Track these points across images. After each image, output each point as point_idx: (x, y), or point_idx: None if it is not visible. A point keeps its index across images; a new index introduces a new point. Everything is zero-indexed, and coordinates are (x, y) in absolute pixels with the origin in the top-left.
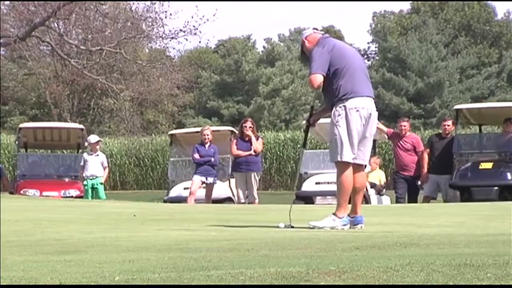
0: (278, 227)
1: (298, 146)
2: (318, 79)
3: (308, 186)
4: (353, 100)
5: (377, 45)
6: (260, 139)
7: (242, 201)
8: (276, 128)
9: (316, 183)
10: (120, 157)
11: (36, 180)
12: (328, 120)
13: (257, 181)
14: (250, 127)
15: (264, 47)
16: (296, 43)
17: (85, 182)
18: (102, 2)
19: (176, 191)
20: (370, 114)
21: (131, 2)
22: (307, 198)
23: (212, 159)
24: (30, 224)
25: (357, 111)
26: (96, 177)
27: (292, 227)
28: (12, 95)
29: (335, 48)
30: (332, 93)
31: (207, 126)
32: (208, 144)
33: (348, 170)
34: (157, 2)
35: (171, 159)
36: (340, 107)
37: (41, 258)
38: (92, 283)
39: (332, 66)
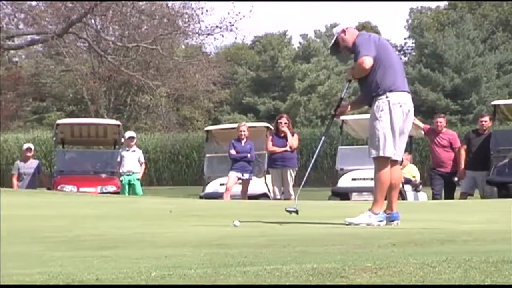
0: (234, 225)
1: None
2: (369, 61)
3: (344, 182)
4: (395, 94)
5: (414, 41)
6: (295, 135)
7: (278, 197)
8: (312, 124)
9: (352, 179)
10: (156, 153)
11: (73, 176)
12: (364, 116)
13: (293, 177)
14: (286, 123)
15: (300, 43)
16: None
17: (122, 178)
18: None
19: (212, 187)
20: (409, 110)
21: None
22: (343, 195)
23: (249, 155)
24: (67, 220)
25: (400, 106)
26: (133, 173)
27: (297, 211)
28: (49, 91)
29: (380, 40)
30: (371, 85)
31: (243, 122)
32: (244, 140)
33: (387, 166)
34: None
35: (207, 155)
36: (383, 101)
37: (78, 253)
38: (129, 279)
39: (376, 57)
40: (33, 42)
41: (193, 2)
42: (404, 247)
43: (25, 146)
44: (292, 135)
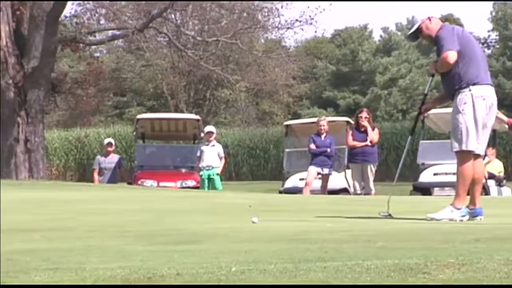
0: (253, 222)
1: (416, 136)
2: (453, 55)
3: (425, 177)
4: (478, 87)
5: (497, 33)
6: (376, 129)
7: (359, 192)
8: (392, 119)
9: (434, 174)
10: (235, 148)
11: (153, 171)
12: (445, 110)
13: (373, 172)
14: (366, 117)
15: (381, 36)
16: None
17: (201, 173)
18: None
19: (292, 182)
20: (492, 103)
21: None
22: (425, 190)
23: (328, 149)
24: (148, 214)
25: (483, 99)
26: (213, 167)
27: (390, 215)
28: (130, 86)
29: (463, 32)
30: (454, 78)
31: (323, 116)
32: (324, 134)
33: (469, 160)
34: None
35: (287, 150)
36: (466, 94)
37: (159, 248)
38: (209, 274)
39: (459, 50)
40: (114, 37)
41: None
42: (487, 243)
43: (106, 141)
44: (373, 130)
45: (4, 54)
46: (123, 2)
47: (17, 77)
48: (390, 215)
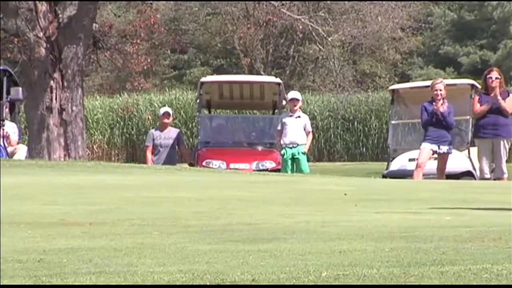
0: None
1: None
2: None
3: None
4: None
5: None
6: (511, 95)
7: (487, 176)
8: None
9: None
10: (326, 120)
11: (221, 148)
12: None
13: (507, 149)
14: (498, 78)
15: None
16: None
17: (283, 152)
18: None
19: (399, 163)
20: None
21: None
22: None
23: (447, 121)
24: (215, 205)
25: None
26: (298, 145)
27: None
28: (192, 40)
29: None
30: None
31: (439, 79)
32: (441, 102)
33: None
34: None
35: (392, 121)
36: None
37: (229, 247)
38: (293, 280)
39: None
40: None
41: None
42: None
43: (162, 110)
44: (508, 95)
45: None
46: None
47: (49, 29)
48: None
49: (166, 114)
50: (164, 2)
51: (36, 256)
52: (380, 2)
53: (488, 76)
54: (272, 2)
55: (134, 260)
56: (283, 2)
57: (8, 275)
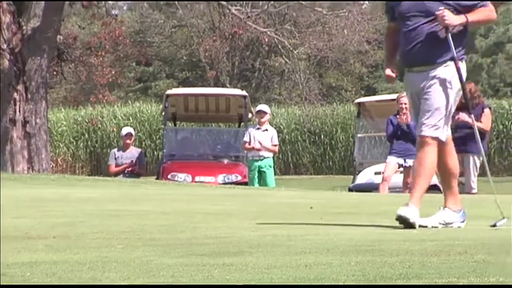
0: (494, 225)
1: None
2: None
3: None
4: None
5: None
6: (487, 110)
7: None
8: (498, 94)
9: None
10: (292, 133)
11: (187, 161)
12: None
13: (477, 166)
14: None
15: None
16: None
17: (250, 164)
18: None
19: (365, 176)
20: None
21: None
22: None
23: (412, 134)
24: (180, 218)
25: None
26: (265, 157)
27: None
28: (157, 53)
29: None
30: (450, 42)
31: (405, 92)
32: (406, 115)
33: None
34: None
35: (358, 135)
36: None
37: (195, 260)
38: None
39: None
40: None
41: None
42: None
43: (124, 131)
44: (482, 111)
45: None
46: None
47: (13, 41)
48: (505, 219)
49: (129, 135)
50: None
51: (1, 270)
52: (346, 15)
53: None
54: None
55: (98, 274)
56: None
57: None
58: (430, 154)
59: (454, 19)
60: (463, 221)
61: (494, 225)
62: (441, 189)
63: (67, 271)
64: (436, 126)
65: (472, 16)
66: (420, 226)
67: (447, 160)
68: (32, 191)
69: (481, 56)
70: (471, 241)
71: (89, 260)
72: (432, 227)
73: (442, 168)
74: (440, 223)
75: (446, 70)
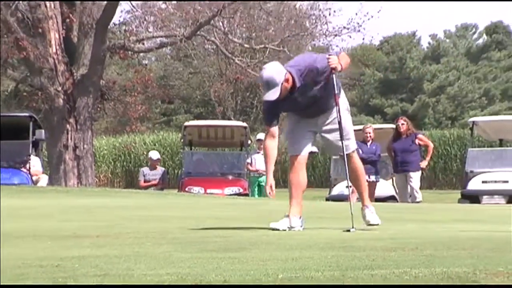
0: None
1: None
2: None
3: (474, 185)
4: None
5: None
6: (420, 135)
7: (406, 200)
8: (441, 126)
9: (483, 182)
10: (283, 155)
11: (200, 177)
12: (495, 117)
13: (418, 179)
14: (403, 124)
15: (429, 43)
16: (462, 39)
17: (252, 178)
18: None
19: (338, 189)
20: None
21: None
22: (473, 197)
23: (374, 157)
24: (195, 222)
25: None
26: (263, 175)
27: (349, 230)
28: (177, 93)
29: None
30: (335, 81)
31: (369, 124)
32: (370, 142)
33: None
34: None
35: (333, 157)
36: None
37: (206, 255)
38: (256, 281)
39: None
40: (162, 45)
41: (321, 3)
42: None
43: (154, 155)
44: (416, 137)
45: (54, 62)
46: (171, 9)
47: (66, 84)
48: (349, 230)
49: (155, 158)
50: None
51: (54, 262)
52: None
53: (397, 123)
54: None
55: (131, 265)
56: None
57: (31, 277)
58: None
59: (338, 64)
60: (301, 226)
61: (349, 230)
62: (398, 199)
63: (107, 263)
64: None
65: (344, 63)
66: (272, 228)
67: (300, 175)
68: (80, 201)
69: (427, 96)
70: (421, 239)
71: (124, 254)
72: (283, 230)
73: (297, 180)
74: (288, 227)
75: (340, 102)
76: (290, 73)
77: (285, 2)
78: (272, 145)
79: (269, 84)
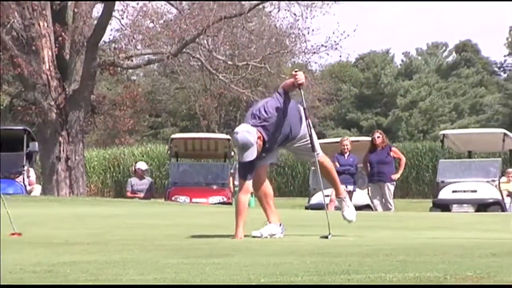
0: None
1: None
2: None
3: (445, 194)
4: None
5: None
6: (394, 148)
7: (379, 209)
8: (414, 138)
9: (453, 191)
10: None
11: (186, 187)
12: (464, 131)
13: (391, 190)
14: (379, 137)
15: (402, 60)
16: (433, 56)
17: (236, 188)
18: (249, 20)
19: (317, 198)
20: None
21: (276, 20)
22: (444, 206)
23: (351, 168)
24: (181, 229)
25: None
26: None
27: (327, 237)
28: (164, 107)
29: None
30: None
31: (346, 136)
32: (348, 153)
33: None
34: (300, 19)
35: (312, 168)
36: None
37: (192, 260)
38: (239, 285)
39: None
40: (150, 61)
41: (300, 23)
42: (504, 257)
43: (142, 166)
44: (390, 149)
45: (47, 78)
46: (158, 28)
47: (59, 99)
48: (327, 237)
49: (146, 170)
50: (144, 79)
51: (47, 268)
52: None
53: (373, 136)
54: (222, 78)
55: (120, 270)
56: (232, 79)
57: (25, 282)
58: None
59: (304, 79)
60: (282, 232)
61: (326, 237)
62: (373, 208)
63: (98, 269)
64: None
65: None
66: (254, 236)
67: (260, 190)
68: (72, 209)
69: (401, 110)
70: (394, 246)
71: (114, 260)
72: (264, 237)
73: (264, 192)
74: (268, 234)
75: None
76: (259, 131)
77: (267, 21)
78: (245, 199)
79: (246, 147)
